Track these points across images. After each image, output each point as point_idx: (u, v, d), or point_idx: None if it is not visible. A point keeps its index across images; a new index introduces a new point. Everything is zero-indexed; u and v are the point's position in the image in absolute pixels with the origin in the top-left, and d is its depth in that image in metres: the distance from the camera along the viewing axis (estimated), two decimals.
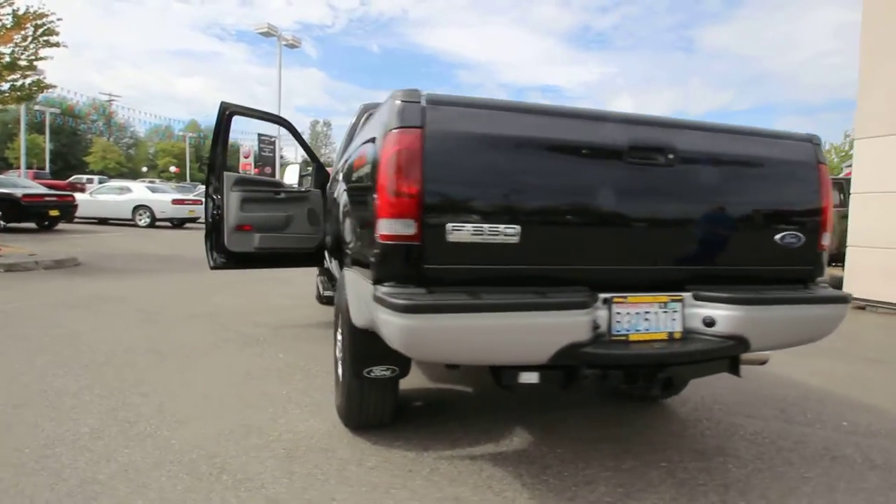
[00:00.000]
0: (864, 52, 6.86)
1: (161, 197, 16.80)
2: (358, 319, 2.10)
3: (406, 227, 1.55)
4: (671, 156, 1.79)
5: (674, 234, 1.85)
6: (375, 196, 1.60)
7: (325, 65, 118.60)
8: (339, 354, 2.65)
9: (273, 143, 24.05)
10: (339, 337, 2.54)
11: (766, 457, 2.44)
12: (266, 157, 25.02)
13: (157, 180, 34.01)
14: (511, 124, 1.67)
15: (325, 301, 5.70)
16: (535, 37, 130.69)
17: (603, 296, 1.70)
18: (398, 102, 1.60)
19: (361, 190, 1.86)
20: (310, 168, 5.29)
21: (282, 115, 5.62)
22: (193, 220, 16.70)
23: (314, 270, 5.48)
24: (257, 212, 4.62)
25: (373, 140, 1.78)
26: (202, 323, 4.76)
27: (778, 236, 1.95)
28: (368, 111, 4.09)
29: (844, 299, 1.97)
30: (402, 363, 2.26)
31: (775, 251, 1.97)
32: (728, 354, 1.81)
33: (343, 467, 2.21)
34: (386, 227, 1.57)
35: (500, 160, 1.65)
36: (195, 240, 6.96)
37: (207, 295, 6.18)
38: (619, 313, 1.71)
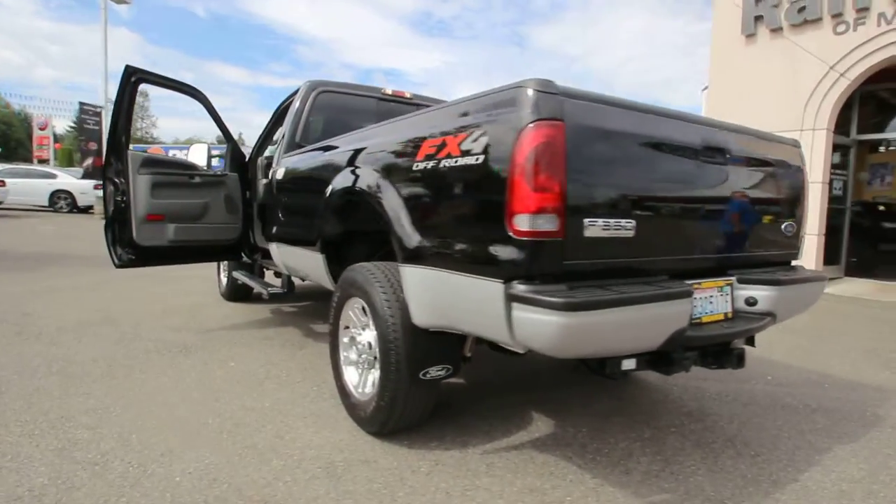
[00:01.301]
0: (713, 63, 8.20)
1: None
2: (425, 319, 1.95)
3: (549, 223, 1.48)
4: (728, 155, 1.99)
5: (724, 225, 2.06)
6: (506, 191, 1.50)
7: (140, 26, 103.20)
8: (358, 357, 2.42)
9: (99, 115, 20.25)
10: (369, 340, 2.32)
11: (739, 412, 2.84)
12: (90, 129, 21.04)
13: None
14: (626, 121, 1.70)
15: (236, 297, 5.13)
16: (379, 17, 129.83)
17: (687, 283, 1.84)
18: (532, 92, 1.51)
19: (463, 182, 1.69)
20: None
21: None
22: None
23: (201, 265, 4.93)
24: (170, 198, 3.95)
25: (471, 130, 1.64)
26: (102, 332, 3.93)
27: (783, 226, 2.30)
28: (318, 89, 3.74)
29: (825, 277, 2.41)
30: (455, 362, 2.16)
31: (779, 238, 2.32)
32: (764, 329, 2.09)
33: (401, 477, 2.04)
34: (526, 223, 1.48)
35: (619, 155, 1.66)
36: (23, 228, 5.62)
37: (83, 297, 5.11)
38: (695, 298, 1.86)
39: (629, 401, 2.96)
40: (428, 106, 4.39)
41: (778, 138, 2.34)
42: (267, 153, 4.89)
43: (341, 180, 2.45)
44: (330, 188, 2.57)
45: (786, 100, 7.00)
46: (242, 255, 4.66)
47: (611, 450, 2.35)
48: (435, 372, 2.07)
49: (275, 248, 3.63)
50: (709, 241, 2.01)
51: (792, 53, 6.95)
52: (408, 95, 4.22)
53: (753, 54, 7.37)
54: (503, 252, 1.53)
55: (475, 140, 1.62)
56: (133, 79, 3.67)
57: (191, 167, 4.27)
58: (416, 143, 1.93)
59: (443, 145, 1.76)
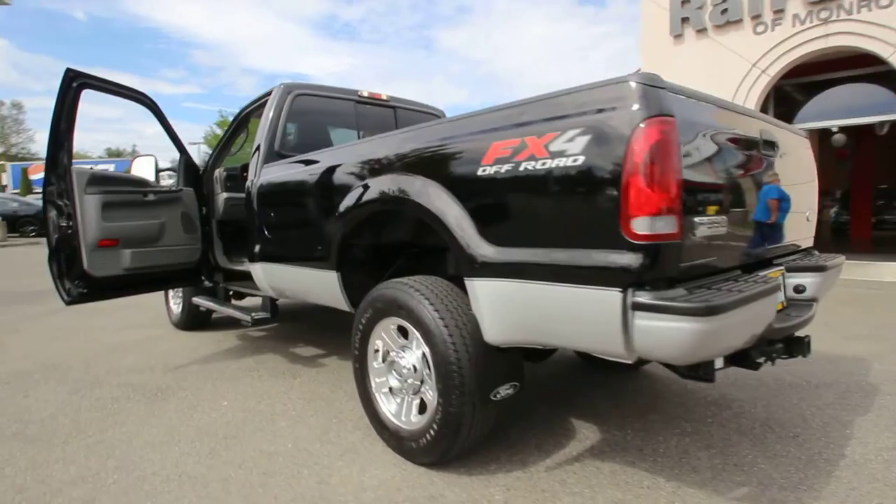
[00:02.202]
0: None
1: None
2: (503, 334, 1.79)
3: (669, 225, 1.38)
4: (777, 148, 2.02)
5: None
6: (620, 193, 1.38)
7: (8, 31, 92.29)
8: (402, 383, 2.20)
9: None
10: (413, 363, 2.12)
11: (758, 395, 2.92)
12: None
13: None
14: (710, 116, 1.65)
15: (193, 325, 4.63)
16: (280, 20, 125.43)
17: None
18: (642, 87, 1.40)
19: (556, 186, 1.55)
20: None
21: None
22: None
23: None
24: (124, 220, 3.47)
25: (563, 129, 1.51)
26: (47, 382, 3.34)
27: (806, 213, 2.39)
28: (293, 92, 3.43)
29: (844, 260, 2.55)
30: (522, 378, 2.02)
31: (803, 225, 2.41)
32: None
33: None
34: (646, 227, 1.37)
35: (710, 151, 1.61)
36: None
37: (2, 342, 4.36)
38: None
39: (652, 396, 2.97)
40: (407, 108, 4.20)
41: (798, 130, 2.45)
42: (234, 164, 4.46)
43: (372, 189, 2.22)
44: (352, 199, 2.33)
45: (716, 93, 7.52)
46: (203, 278, 4.21)
47: (665, 449, 2.33)
48: (504, 391, 1.93)
49: (259, 269, 3.28)
50: (762, 232, 2.03)
51: (717, 52, 7.50)
52: (384, 97, 4.01)
53: (682, 54, 7.88)
54: (618, 258, 1.42)
55: (570, 140, 1.50)
56: (75, 84, 3.15)
57: (143, 183, 3.77)
58: (480, 146, 1.76)
59: (521, 147, 1.62)
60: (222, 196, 4.23)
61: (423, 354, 2.10)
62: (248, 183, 3.32)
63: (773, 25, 7.01)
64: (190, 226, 4.01)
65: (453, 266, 2.53)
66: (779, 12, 6.93)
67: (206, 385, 3.23)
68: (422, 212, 1.96)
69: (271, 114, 3.37)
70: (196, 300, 4.25)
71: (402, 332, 2.23)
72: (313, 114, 3.61)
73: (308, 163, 2.80)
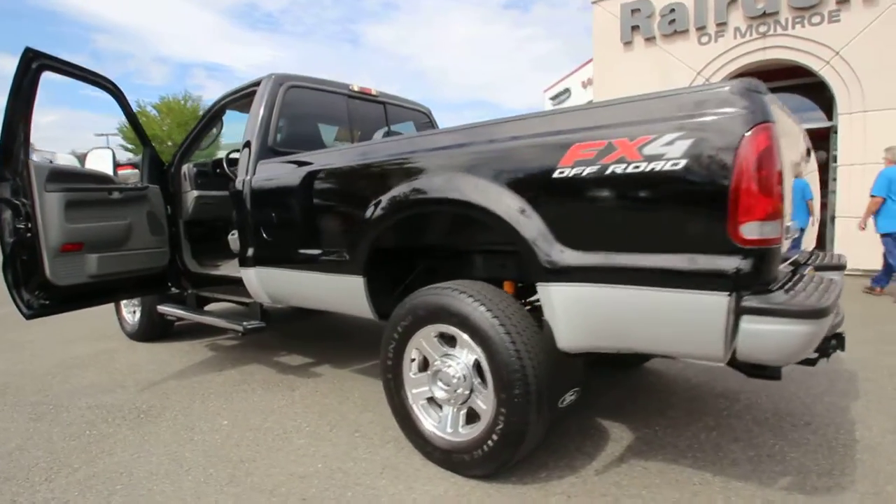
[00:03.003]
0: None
1: None
2: (580, 340, 1.74)
3: (774, 230, 1.39)
4: (811, 152, 2.13)
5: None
6: (728, 198, 1.37)
7: None
8: (449, 394, 2.08)
9: None
10: (462, 372, 2.01)
11: (757, 385, 3.03)
12: None
13: None
14: (786, 124, 1.69)
15: (152, 336, 4.22)
16: (195, 7, 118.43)
17: None
18: (748, 92, 1.40)
19: (653, 189, 1.51)
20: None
21: None
22: None
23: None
24: (89, 221, 3.10)
25: (659, 133, 1.48)
26: (3, 408, 2.88)
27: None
28: (285, 83, 3.20)
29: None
30: (583, 383, 1.98)
31: (812, 226, 2.56)
32: None
33: None
34: (756, 231, 1.37)
35: (786, 157, 1.65)
36: None
37: None
38: None
39: (665, 392, 3.04)
40: (396, 104, 4.05)
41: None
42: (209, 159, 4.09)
43: (421, 189, 2.08)
44: (391, 199, 2.17)
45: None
46: (169, 284, 3.83)
47: (698, 444, 2.38)
48: (570, 397, 1.88)
49: (252, 274, 3.01)
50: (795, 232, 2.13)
51: (665, 60, 7.91)
52: (374, 92, 3.83)
53: (631, 60, 8.23)
54: (726, 263, 1.41)
55: (669, 143, 1.46)
56: (34, 65, 2.73)
57: (107, 180, 3.36)
58: (556, 147, 1.69)
59: (608, 149, 1.57)
60: (192, 194, 3.88)
61: (475, 362, 2.01)
62: (239, 181, 3.04)
63: (716, 37, 7.50)
64: (157, 227, 3.64)
65: (487, 269, 2.45)
66: (721, 25, 7.43)
67: (195, 403, 2.92)
68: (486, 215, 1.86)
69: (262, 108, 3.11)
70: (163, 309, 3.85)
71: (445, 339, 2.13)
72: (306, 107, 3.38)
73: (323, 160, 2.60)
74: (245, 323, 3.15)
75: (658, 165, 1.49)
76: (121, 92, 3.34)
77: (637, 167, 1.53)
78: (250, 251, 3.02)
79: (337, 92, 3.57)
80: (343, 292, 2.53)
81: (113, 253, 3.23)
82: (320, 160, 2.65)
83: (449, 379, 2.12)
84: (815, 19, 6.64)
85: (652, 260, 1.52)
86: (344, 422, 2.64)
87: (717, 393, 3.00)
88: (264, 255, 2.93)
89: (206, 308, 4.01)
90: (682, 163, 1.46)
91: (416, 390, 2.26)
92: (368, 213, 2.28)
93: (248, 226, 3.01)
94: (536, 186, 1.75)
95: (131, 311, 4.45)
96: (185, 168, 3.91)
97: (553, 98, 14.39)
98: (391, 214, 2.18)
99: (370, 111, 3.83)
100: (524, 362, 1.82)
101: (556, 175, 1.69)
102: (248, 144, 3.08)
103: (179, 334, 4.39)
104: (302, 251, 2.69)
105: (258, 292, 3.08)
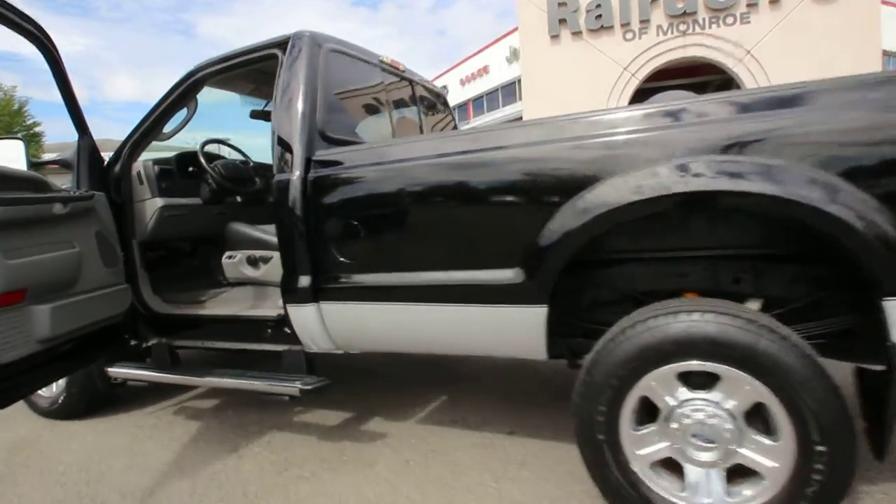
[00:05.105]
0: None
1: None
2: None
3: None
4: None
5: None
6: None
7: None
8: (718, 454, 1.54)
9: None
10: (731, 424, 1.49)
11: None
12: None
13: None
14: None
15: (88, 410, 2.91)
16: None
17: None
18: None
19: None
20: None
21: None
22: None
23: None
24: (28, 252, 1.92)
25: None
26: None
27: None
28: (325, 46, 2.35)
29: None
30: None
31: None
32: None
33: None
34: None
35: None
36: None
37: None
38: None
39: None
40: (420, 83, 3.34)
41: None
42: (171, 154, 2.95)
43: (679, 180, 1.48)
44: (629, 187, 1.53)
45: (590, 94, 8.11)
46: (126, 336, 2.66)
47: None
48: None
49: (312, 314, 2.09)
50: None
51: (591, 55, 8.05)
52: (401, 68, 3.07)
53: (559, 54, 8.26)
54: None
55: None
56: None
57: (41, 184, 2.13)
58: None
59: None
60: (154, 204, 2.75)
61: (756, 407, 1.51)
62: (284, 179, 2.11)
63: (640, 34, 7.84)
64: (110, 254, 2.47)
65: (703, 279, 1.93)
66: (645, 22, 7.77)
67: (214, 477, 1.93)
68: (818, 218, 1.37)
69: (302, 77, 2.20)
70: (123, 373, 2.62)
71: (684, 378, 1.59)
72: (347, 80, 2.52)
73: (484, 138, 1.81)
74: (299, 382, 2.19)
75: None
76: (53, 46, 2.16)
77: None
78: (304, 280, 2.10)
79: (372, 63, 2.76)
80: (503, 330, 1.81)
81: (66, 300, 2.07)
82: (478, 137, 1.87)
83: (704, 430, 1.59)
84: (729, 20, 7.25)
85: None
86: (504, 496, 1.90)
87: None
88: (340, 285, 2.05)
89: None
90: None
91: (644, 451, 1.68)
92: (573, 211, 1.62)
93: (303, 243, 2.10)
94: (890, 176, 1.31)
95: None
96: (139, 167, 2.76)
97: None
98: (624, 212, 1.55)
99: (400, 89, 3.07)
100: (843, 401, 1.39)
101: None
102: (292, 128, 2.16)
103: (121, 404, 3.08)
104: (423, 275, 1.89)
105: (317, 337, 2.17)
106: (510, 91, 15.59)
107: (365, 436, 2.56)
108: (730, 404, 1.57)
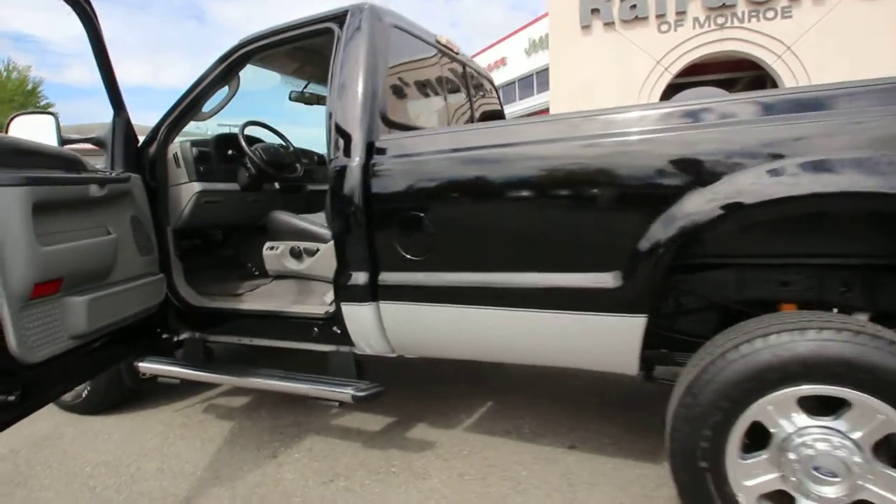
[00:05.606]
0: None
1: None
2: None
3: None
4: None
5: None
6: None
7: None
8: (843, 482, 1.36)
9: None
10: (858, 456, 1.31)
11: None
12: None
13: None
14: None
15: (106, 406, 2.73)
16: None
17: None
18: None
19: None
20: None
21: None
22: None
23: None
24: (67, 239, 1.75)
25: None
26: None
27: None
28: (386, 20, 2.14)
29: None
30: None
31: None
32: None
33: None
34: None
35: None
36: None
37: None
38: None
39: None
40: (472, 67, 3.13)
41: None
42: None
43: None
44: (770, 182, 1.34)
45: (623, 87, 7.86)
46: (158, 331, 2.49)
47: None
48: None
49: (369, 314, 1.91)
50: None
51: (624, 46, 7.80)
52: (456, 49, 2.86)
53: (590, 45, 8.00)
54: None
55: None
56: None
57: (76, 163, 1.95)
58: None
59: None
60: (191, 188, 2.57)
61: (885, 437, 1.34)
62: (342, 165, 1.91)
63: (675, 26, 7.57)
64: (145, 241, 2.30)
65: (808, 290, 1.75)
66: (681, 14, 7.50)
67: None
68: None
69: (363, 53, 2.00)
70: (158, 369, 2.44)
71: (802, 403, 1.40)
72: (408, 59, 2.32)
73: (582, 124, 1.60)
74: (352, 388, 2.00)
75: None
76: (93, 13, 1.97)
77: None
78: (361, 277, 1.91)
79: (429, 42, 2.55)
80: (593, 340, 1.63)
81: (102, 292, 1.89)
82: (578, 123, 1.65)
83: (830, 462, 1.41)
84: (769, 14, 6.98)
85: None
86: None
87: None
88: (404, 284, 1.86)
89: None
90: None
91: (752, 482, 1.50)
92: (693, 207, 1.42)
93: (362, 236, 1.90)
94: None
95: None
96: (175, 149, 2.58)
97: None
98: (760, 210, 1.35)
99: (454, 72, 2.86)
100: None
101: None
102: (350, 105, 1.96)
103: (143, 399, 2.91)
104: (504, 277, 1.71)
105: (372, 339, 1.99)
106: (528, 83, 15.29)
107: (412, 444, 2.38)
108: (857, 434, 1.40)
